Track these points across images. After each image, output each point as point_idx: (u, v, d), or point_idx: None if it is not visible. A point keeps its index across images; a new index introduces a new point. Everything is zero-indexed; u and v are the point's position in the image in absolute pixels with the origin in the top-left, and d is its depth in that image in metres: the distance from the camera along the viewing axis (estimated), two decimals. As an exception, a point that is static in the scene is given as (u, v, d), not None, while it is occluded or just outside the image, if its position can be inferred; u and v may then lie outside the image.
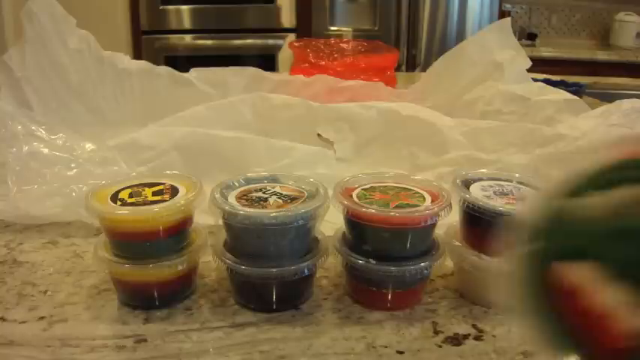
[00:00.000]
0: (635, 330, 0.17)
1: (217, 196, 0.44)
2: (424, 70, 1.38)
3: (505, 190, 0.46)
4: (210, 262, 0.47)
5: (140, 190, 0.45)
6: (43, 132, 0.70)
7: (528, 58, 0.93)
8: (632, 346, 0.17)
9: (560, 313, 0.18)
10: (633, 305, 0.17)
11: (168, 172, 0.50)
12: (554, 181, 0.19)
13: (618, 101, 0.72)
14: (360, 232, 0.44)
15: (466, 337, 0.41)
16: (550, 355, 0.18)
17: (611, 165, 0.19)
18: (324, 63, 1.07)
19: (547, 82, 0.94)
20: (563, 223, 0.19)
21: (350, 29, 2.56)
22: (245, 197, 0.44)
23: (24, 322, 0.42)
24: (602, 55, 2.83)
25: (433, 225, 0.44)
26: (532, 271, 0.19)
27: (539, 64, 1.16)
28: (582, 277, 0.18)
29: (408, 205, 0.44)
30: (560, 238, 0.19)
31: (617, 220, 0.18)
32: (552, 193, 0.19)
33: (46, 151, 0.67)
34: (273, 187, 0.46)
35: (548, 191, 0.19)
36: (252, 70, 0.93)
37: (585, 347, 0.18)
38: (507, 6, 3.06)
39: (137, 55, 2.40)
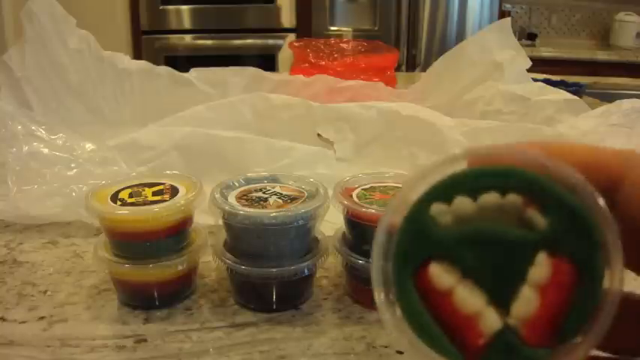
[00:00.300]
0: (487, 328, 0.19)
1: (217, 196, 0.44)
2: (424, 70, 1.38)
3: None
4: (210, 262, 0.47)
5: (140, 190, 0.45)
6: (43, 132, 0.70)
7: (528, 58, 0.93)
8: (488, 344, 0.19)
9: (432, 314, 0.20)
10: (486, 305, 0.19)
11: (168, 172, 0.50)
12: (417, 187, 0.20)
13: (618, 101, 0.72)
14: (360, 232, 0.44)
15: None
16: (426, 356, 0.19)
17: (476, 172, 0.20)
18: (324, 63, 1.07)
19: (547, 82, 0.94)
20: (426, 227, 0.20)
21: (350, 29, 2.56)
22: (245, 197, 0.44)
23: (24, 322, 0.42)
24: (602, 55, 2.84)
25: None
26: (399, 276, 0.20)
27: (539, 64, 1.16)
28: (446, 280, 0.19)
29: (408, 205, 0.43)
30: (424, 242, 0.20)
31: (469, 226, 0.19)
32: (416, 197, 0.20)
33: (46, 151, 0.67)
34: (273, 187, 0.46)
35: (411, 196, 0.20)
36: (252, 70, 0.93)
37: (456, 347, 0.19)
38: (507, 6, 3.06)
39: (137, 55, 2.40)
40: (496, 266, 0.19)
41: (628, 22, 3.09)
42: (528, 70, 0.93)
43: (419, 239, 0.20)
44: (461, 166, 0.20)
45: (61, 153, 0.67)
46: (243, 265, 0.42)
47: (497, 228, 0.19)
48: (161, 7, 2.46)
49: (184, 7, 2.48)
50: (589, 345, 0.18)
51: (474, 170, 0.20)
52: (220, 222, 0.44)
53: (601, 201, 0.18)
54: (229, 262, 0.43)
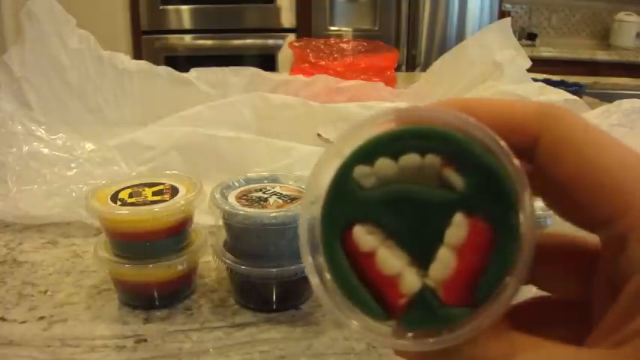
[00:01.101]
0: (407, 289, 0.19)
1: (217, 196, 0.44)
2: (424, 70, 1.38)
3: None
4: (210, 262, 0.47)
5: (140, 190, 0.45)
6: (43, 132, 0.70)
7: (528, 58, 0.93)
8: (409, 304, 0.19)
9: (359, 276, 0.20)
10: (406, 266, 0.20)
11: (168, 172, 0.50)
12: (343, 148, 0.20)
13: (618, 101, 0.72)
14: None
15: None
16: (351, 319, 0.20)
17: (396, 134, 0.20)
18: (324, 63, 1.07)
19: (547, 82, 0.94)
20: (350, 190, 0.20)
21: (350, 29, 2.56)
22: (245, 197, 0.44)
23: (24, 322, 0.42)
24: (602, 55, 2.84)
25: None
26: (326, 239, 0.20)
27: (539, 64, 1.16)
28: (368, 241, 0.20)
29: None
30: (349, 204, 0.20)
31: (391, 188, 0.20)
32: (341, 160, 0.20)
33: (46, 151, 0.67)
34: (273, 187, 0.46)
35: (336, 158, 0.20)
36: (252, 70, 0.93)
37: (381, 307, 0.20)
38: (507, 6, 3.06)
39: (137, 55, 2.40)
40: (416, 227, 0.20)
41: (628, 22, 3.09)
42: (528, 70, 0.93)
43: (343, 202, 0.20)
44: (384, 128, 0.20)
45: (61, 153, 0.67)
46: (243, 265, 0.42)
47: (416, 189, 0.20)
48: (161, 7, 2.45)
49: (184, 7, 2.48)
50: (501, 306, 0.18)
51: (395, 131, 0.20)
52: (220, 222, 0.44)
53: (515, 161, 0.18)
54: (229, 262, 0.43)
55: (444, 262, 0.19)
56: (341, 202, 0.20)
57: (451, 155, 0.19)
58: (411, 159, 0.19)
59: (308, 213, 0.21)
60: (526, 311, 0.21)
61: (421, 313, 0.19)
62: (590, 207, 0.19)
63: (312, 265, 0.20)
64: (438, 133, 0.19)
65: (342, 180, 0.20)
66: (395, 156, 0.20)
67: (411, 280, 0.19)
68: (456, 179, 0.19)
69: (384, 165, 0.20)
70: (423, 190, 0.19)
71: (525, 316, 0.20)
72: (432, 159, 0.19)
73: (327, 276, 0.20)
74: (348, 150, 0.20)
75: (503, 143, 0.18)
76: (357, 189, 0.20)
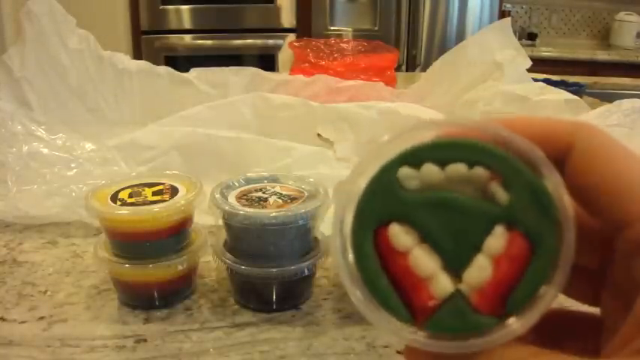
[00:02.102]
0: (439, 291, 0.19)
1: (217, 196, 0.44)
2: (424, 70, 1.38)
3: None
4: (210, 262, 0.47)
5: (140, 190, 0.45)
6: (43, 132, 0.70)
7: (528, 58, 0.93)
8: (438, 306, 0.19)
9: (389, 274, 0.20)
10: (440, 270, 0.20)
11: (168, 172, 0.50)
12: (386, 152, 0.21)
13: (618, 101, 0.72)
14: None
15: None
16: (378, 316, 0.20)
17: (445, 143, 0.20)
18: (324, 63, 1.07)
19: (547, 82, 0.94)
20: (391, 188, 0.20)
21: (350, 29, 2.56)
22: (245, 197, 0.44)
23: (24, 322, 0.42)
24: (602, 55, 2.84)
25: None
26: (358, 230, 0.20)
27: (539, 64, 1.16)
28: (403, 240, 0.20)
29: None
30: (388, 201, 0.20)
31: (430, 192, 0.20)
32: (385, 160, 0.21)
33: (45, 151, 0.67)
34: (273, 187, 0.46)
35: (379, 159, 0.21)
36: (252, 70, 0.93)
37: (406, 307, 0.20)
38: (507, 6, 3.06)
39: (137, 55, 2.40)
40: (454, 234, 0.20)
41: (628, 22, 3.09)
42: (528, 70, 0.93)
43: (383, 198, 0.20)
44: (431, 136, 0.20)
45: (61, 153, 0.67)
46: (243, 265, 0.42)
47: (460, 197, 0.20)
48: (161, 7, 2.45)
49: (184, 7, 2.48)
50: (527, 323, 0.19)
51: (443, 140, 0.20)
52: (220, 222, 0.44)
53: (558, 179, 0.19)
54: (229, 262, 0.43)
55: (480, 268, 0.19)
56: (380, 197, 0.20)
57: (499, 170, 0.20)
58: (458, 168, 0.20)
59: (344, 202, 0.21)
60: (542, 323, 0.21)
61: (450, 318, 0.19)
62: (610, 211, 0.20)
63: (339, 249, 0.20)
64: (487, 147, 0.20)
65: (385, 177, 0.20)
66: (442, 164, 0.20)
67: (444, 283, 0.19)
68: (501, 194, 0.20)
69: (430, 170, 0.20)
70: (467, 199, 0.20)
71: (541, 328, 0.21)
72: (479, 171, 0.20)
73: (355, 270, 0.20)
74: (392, 152, 0.20)
75: (548, 161, 0.19)
76: (398, 188, 0.20)
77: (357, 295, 0.20)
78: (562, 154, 0.21)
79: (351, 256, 0.20)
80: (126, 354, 0.39)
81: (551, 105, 0.78)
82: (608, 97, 1.03)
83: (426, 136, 0.20)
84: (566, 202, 0.19)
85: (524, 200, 0.19)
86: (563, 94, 0.82)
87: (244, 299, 0.45)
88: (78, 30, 0.79)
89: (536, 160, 0.19)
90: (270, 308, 0.44)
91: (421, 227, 0.20)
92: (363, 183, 0.21)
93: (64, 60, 0.76)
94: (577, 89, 1.09)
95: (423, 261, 0.20)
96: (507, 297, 0.19)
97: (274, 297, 0.44)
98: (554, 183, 0.19)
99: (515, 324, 0.19)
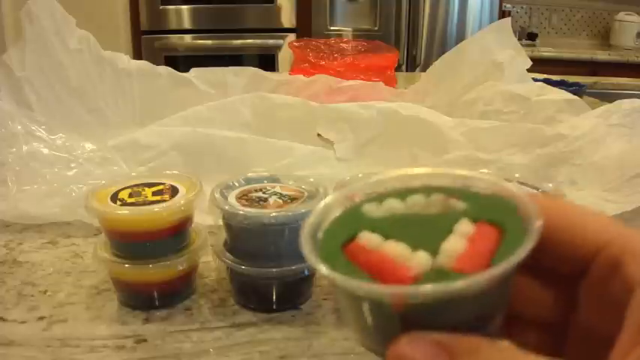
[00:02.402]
0: (417, 265, 0.19)
1: (217, 196, 0.44)
2: (424, 70, 1.38)
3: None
4: (210, 262, 0.47)
5: (140, 190, 0.45)
6: (43, 132, 0.70)
7: (528, 58, 0.93)
8: (418, 275, 0.19)
9: (362, 269, 0.20)
10: (413, 249, 0.20)
11: (168, 172, 0.50)
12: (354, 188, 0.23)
13: (618, 101, 0.72)
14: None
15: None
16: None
17: (407, 187, 0.23)
18: (324, 63, 1.07)
19: (547, 82, 0.94)
20: (357, 214, 0.22)
21: (350, 29, 2.56)
22: (245, 197, 0.44)
23: (24, 322, 0.42)
24: (602, 55, 2.83)
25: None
26: (327, 244, 0.21)
27: (539, 64, 1.16)
28: (375, 239, 0.21)
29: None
30: (355, 222, 0.22)
31: (397, 212, 0.22)
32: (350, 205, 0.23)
33: (45, 151, 0.67)
34: (273, 187, 0.46)
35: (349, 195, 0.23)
36: (252, 70, 0.93)
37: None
38: (507, 6, 3.06)
39: (137, 55, 2.40)
40: (423, 235, 0.20)
41: (628, 22, 3.08)
42: (528, 70, 0.93)
43: (349, 221, 0.22)
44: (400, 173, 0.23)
45: (61, 153, 0.67)
46: (243, 265, 0.42)
47: (422, 211, 0.22)
48: (161, 7, 2.45)
49: (184, 7, 2.47)
50: (512, 262, 0.19)
51: (398, 174, 0.23)
52: (220, 222, 0.44)
53: (524, 195, 0.21)
54: (229, 262, 0.43)
55: (455, 241, 0.20)
56: (347, 221, 0.22)
57: (454, 193, 0.22)
58: (416, 199, 0.22)
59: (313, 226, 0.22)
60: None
61: (432, 280, 0.19)
62: (579, 245, 0.21)
63: (312, 254, 0.20)
64: (441, 174, 0.22)
65: (351, 211, 0.22)
66: (401, 197, 0.22)
67: (422, 256, 0.19)
68: (460, 204, 0.21)
69: (392, 203, 0.22)
70: (428, 212, 0.22)
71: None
72: (436, 196, 0.22)
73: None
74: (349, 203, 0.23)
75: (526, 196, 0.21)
76: (364, 214, 0.22)
77: (336, 276, 0.20)
78: (588, 256, 0.22)
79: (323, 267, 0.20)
80: (126, 354, 0.39)
81: (551, 105, 0.78)
82: (608, 97, 1.03)
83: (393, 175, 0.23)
84: (528, 199, 0.21)
85: (485, 202, 0.21)
86: (563, 94, 0.82)
87: (244, 299, 0.45)
88: (78, 30, 0.79)
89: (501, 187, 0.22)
90: (270, 308, 0.44)
91: (389, 235, 0.21)
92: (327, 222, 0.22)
93: (64, 60, 0.76)
94: (577, 89, 1.09)
95: (398, 245, 0.20)
96: (486, 264, 0.19)
97: (274, 297, 0.44)
98: (514, 194, 0.21)
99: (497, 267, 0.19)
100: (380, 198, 0.22)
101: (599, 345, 0.20)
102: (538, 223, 0.19)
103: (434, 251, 0.19)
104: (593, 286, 0.22)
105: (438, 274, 0.19)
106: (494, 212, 0.21)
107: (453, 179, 0.22)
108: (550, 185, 0.63)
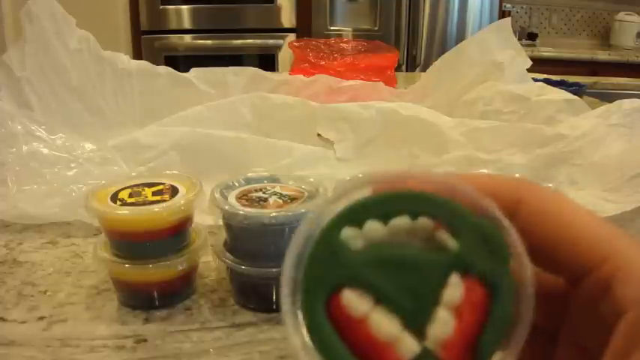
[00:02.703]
0: (406, 353, 0.19)
1: (217, 196, 0.44)
2: (424, 70, 1.38)
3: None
4: (210, 262, 0.47)
5: (140, 190, 0.45)
6: (43, 132, 0.70)
7: (528, 58, 0.93)
8: None
9: (347, 343, 0.19)
10: (402, 330, 0.19)
11: (168, 172, 0.50)
12: (327, 210, 0.20)
13: (618, 101, 0.72)
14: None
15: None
16: None
17: (384, 197, 0.20)
18: (324, 63, 1.07)
19: (547, 82, 0.94)
20: (337, 253, 0.19)
21: (350, 29, 2.56)
22: (245, 197, 0.44)
23: (24, 322, 0.42)
24: (602, 55, 2.84)
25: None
26: (310, 304, 0.19)
27: (539, 64, 1.16)
28: (359, 306, 0.19)
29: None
30: (336, 267, 0.19)
31: (381, 251, 0.19)
32: (325, 223, 0.20)
33: (45, 151, 0.67)
34: (273, 187, 0.46)
35: (320, 220, 0.20)
36: (252, 70, 0.93)
37: None
38: (507, 6, 3.06)
39: (137, 55, 2.40)
40: (410, 290, 0.19)
41: (628, 22, 3.09)
42: (528, 70, 0.93)
43: (330, 265, 0.19)
44: (369, 192, 0.20)
45: (61, 153, 0.67)
46: (243, 265, 0.42)
47: (408, 252, 0.19)
48: (161, 7, 2.45)
49: (184, 7, 2.47)
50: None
51: (382, 195, 0.20)
52: (220, 222, 0.44)
53: (507, 222, 0.19)
54: (229, 262, 0.43)
55: (443, 322, 0.19)
56: (327, 264, 0.19)
57: (444, 218, 0.19)
58: (401, 221, 0.19)
59: (291, 272, 0.19)
60: None
61: None
62: (569, 262, 0.20)
63: (292, 327, 0.19)
64: (430, 197, 0.19)
65: (328, 241, 0.19)
66: (384, 218, 0.19)
67: (409, 344, 0.19)
68: (450, 241, 0.19)
69: (373, 227, 0.19)
70: (415, 252, 0.19)
71: None
72: (423, 221, 0.19)
73: (307, 341, 0.19)
74: (332, 213, 0.20)
75: (494, 205, 0.19)
76: (344, 251, 0.19)
77: None
78: (510, 212, 0.21)
79: (304, 332, 0.19)
80: (126, 354, 0.39)
81: (551, 105, 0.78)
82: (608, 97, 1.03)
83: (364, 192, 0.20)
84: (516, 238, 0.19)
85: (474, 244, 0.19)
86: (563, 94, 0.82)
87: (244, 299, 0.45)
88: (78, 30, 0.79)
89: (482, 204, 0.19)
90: (270, 308, 0.44)
91: (374, 289, 0.19)
92: (308, 249, 0.20)
93: (64, 60, 0.76)
94: (577, 89, 1.09)
95: (384, 325, 0.19)
96: (475, 344, 0.19)
97: (274, 297, 0.44)
98: (501, 224, 0.19)
99: None
100: (358, 216, 0.20)
101: (587, 358, 0.20)
102: (529, 293, 0.19)
103: (422, 324, 0.19)
104: (583, 303, 0.21)
105: None
106: (484, 262, 0.19)
107: (438, 187, 0.20)
108: (550, 185, 0.63)
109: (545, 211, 0.21)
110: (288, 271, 0.19)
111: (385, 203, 0.20)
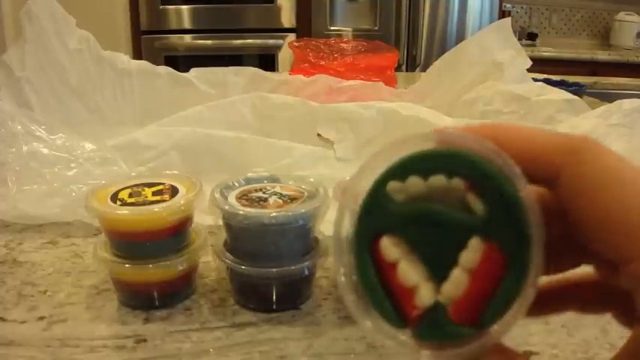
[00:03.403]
0: (421, 302, 0.21)
1: (217, 196, 0.44)
2: (424, 70, 1.38)
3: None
4: (210, 262, 0.47)
5: (140, 190, 0.45)
6: (43, 132, 0.70)
7: (528, 58, 0.93)
8: (421, 316, 0.21)
9: (383, 283, 0.22)
10: (421, 278, 0.21)
11: (168, 172, 0.50)
12: (377, 165, 0.22)
13: (618, 101, 0.72)
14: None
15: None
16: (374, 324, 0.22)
17: (427, 154, 0.22)
18: (324, 63, 1.07)
19: (547, 82, 0.94)
20: (383, 204, 0.22)
21: (350, 29, 2.56)
22: (245, 197, 0.44)
23: (24, 322, 0.42)
24: (602, 55, 2.84)
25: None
26: (358, 246, 0.23)
27: (539, 64, 1.16)
28: (392, 253, 0.22)
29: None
30: (380, 216, 0.22)
31: (418, 205, 0.22)
32: (376, 176, 0.22)
33: (45, 151, 0.67)
34: (273, 187, 0.46)
35: (370, 174, 0.22)
36: (252, 70, 0.93)
37: (398, 314, 0.22)
38: (507, 6, 3.06)
39: (137, 55, 2.40)
40: (437, 244, 0.21)
41: (628, 22, 3.09)
42: (528, 70, 0.93)
43: (376, 214, 0.22)
44: (419, 147, 0.22)
45: (61, 153, 0.67)
46: (243, 265, 0.42)
47: (440, 209, 0.21)
48: (161, 7, 2.45)
49: (184, 7, 2.47)
50: (503, 331, 0.20)
51: (425, 152, 0.22)
52: (220, 222, 0.44)
53: (531, 201, 0.20)
54: (229, 262, 0.43)
55: (456, 282, 0.21)
56: (374, 213, 0.22)
57: (475, 181, 0.21)
58: (438, 180, 0.21)
59: (343, 219, 0.23)
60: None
61: (431, 327, 0.21)
62: (604, 248, 0.19)
63: (340, 265, 0.22)
64: (466, 158, 0.21)
65: (376, 192, 0.22)
66: (425, 175, 0.21)
67: (425, 295, 0.21)
68: (477, 205, 0.21)
69: (414, 183, 0.21)
70: (447, 210, 0.21)
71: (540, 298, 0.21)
72: (457, 182, 0.21)
73: (354, 278, 0.22)
74: (383, 165, 0.22)
75: (524, 179, 0.20)
76: (388, 202, 0.22)
77: (351, 301, 0.22)
78: (551, 173, 0.20)
79: (351, 264, 0.22)
80: (126, 354, 0.39)
81: (551, 105, 0.78)
82: (608, 97, 1.03)
83: (414, 148, 0.22)
84: (537, 217, 0.19)
85: (499, 213, 0.20)
86: (563, 94, 0.81)
87: (244, 299, 0.45)
88: (78, 30, 0.79)
89: (513, 173, 0.20)
90: (270, 308, 0.44)
91: (409, 239, 0.22)
92: (359, 197, 0.22)
93: (64, 60, 0.76)
94: (577, 89, 1.09)
95: (408, 273, 0.21)
96: (482, 308, 0.20)
97: (274, 297, 0.44)
98: (527, 197, 0.20)
99: (490, 335, 0.20)
100: (404, 171, 0.22)
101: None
102: (537, 270, 0.20)
103: (441, 280, 0.21)
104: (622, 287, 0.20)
105: (436, 321, 0.21)
106: (505, 232, 0.20)
107: (480, 148, 0.21)
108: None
109: (586, 183, 0.19)
110: (340, 214, 0.23)
111: (426, 160, 0.21)
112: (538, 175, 0.20)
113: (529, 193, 0.20)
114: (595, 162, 0.19)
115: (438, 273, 0.21)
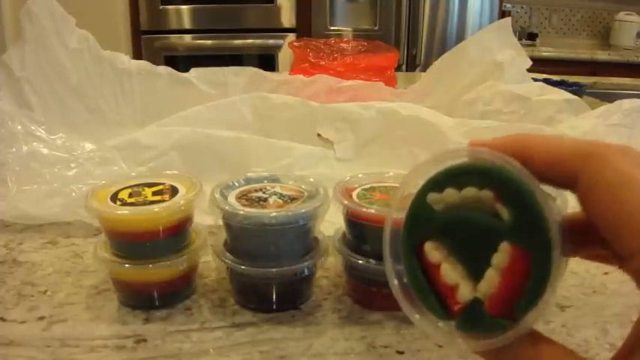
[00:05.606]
0: (462, 298, 0.24)
1: (217, 196, 0.44)
2: (424, 70, 1.38)
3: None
4: (210, 262, 0.47)
5: (140, 190, 0.45)
6: (43, 132, 0.70)
7: (528, 58, 0.93)
8: (462, 310, 0.24)
9: (431, 283, 0.26)
10: (461, 277, 0.25)
11: (168, 172, 0.50)
12: (420, 177, 0.26)
13: (618, 101, 0.72)
14: (360, 232, 0.44)
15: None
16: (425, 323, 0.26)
17: (460, 169, 0.25)
18: (324, 63, 1.07)
19: (547, 82, 0.94)
20: (424, 213, 0.26)
21: (350, 29, 2.56)
22: (245, 197, 0.44)
23: (24, 322, 0.42)
24: (602, 55, 2.84)
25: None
26: (406, 250, 0.26)
27: (539, 64, 1.16)
28: (435, 256, 0.25)
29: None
30: (423, 224, 0.26)
31: (452, 213, 0.25)
32: (417, 188, 0.26)
33: (45, 151, 0.67)
34: (273, 187, 0.46)
35: (415, 184, 0.26)
36: (252, 70, 0.93)
37: (444, 311, 0.25)
38: (507, 6, 3.06)
39: (137, 55, 2.40)
40: (472, 248, 0.25)
41: (628, 22, 3.09)
42: (528, 70, 0.93)
43: (419, 223, 0.26)
44: (453, 162, 0.25)
45: (61, 153, 0.67)
46: (243, 265, 0.42)
47: (473, 217, 0.25)
48: (161, 7, 2.45)
49: (184, 7, 2.48)
50: (534, 320, 0.23)
51: (458, 167, 0.25)
52: (220, 222, 0.44)
53: (551, 210, 0.22)
54: (229, 262, 0.43)
55: (490, 280, 0.24)
56: (417, 222, 0.26)
57: (502, 192, 0.24)
58: (470, 191, 0.25)
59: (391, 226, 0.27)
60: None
61: (471, 320, 0.24)
62: (616, 243, 0.21)
63: (392, 270, 0.27)
64: (495, 173, 0.24)
65: (419, 203, 0.26)
66: (459, 187, 0.25)
67: (464, 292, 0.24)
68: (504, 213, 0.24)
69: (450, 194, 0.25)
70: (479, 217, 0.24)
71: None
72: (486, 194, 0.24)
73: (405, 280, 0.26)
74: (421, 180, 0.26)
75: (542, 190, 0.23)
76: (429, 212, 0.26)
77: (404, 300, 0.26)
78: (570, 178, 0.22)
79: (401, 271, 0.26)
80: (126, 354, 0.39)
81: (551, 105, 0.78)
82: (608, 97, 1.03)
83: (449, 163, 0.25)
84: (556, 225, 0.22)
85: (524, 220, 0.23)
86: (563, 94, 0.82)
87: (244, 299, 0.45)
88: (78, 30, 0.79)
89: (534, 187, 0.23)
90: (270, 308, 0.44)
91: (448, 243, 0.25)
92: (406, 205, 0.26)
93: (64, 60, 0.76)
94: (577, 89, 1.09)
95: (449, 272, 0.25)
96: (514, 302, 0.23)
97: (274, 297, 0.44)
98: (547, 207, 0.23)
99: (522, 325, 0.23)
100: (441, 184, 0.25)
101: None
102: (557, 270, 0.22)
103: (477, 277, 0.24)
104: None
105: (475, 314, 0.24)
106: (531, 238, 0.23)
107: (502, 164, 0.24)
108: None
109: (600, 185, 0.21)
110: (389, 223, 0.27)
111: (460, 175, 0.25)
112: (561, 178, 0.23)
113: (548, 202, 0.23)
114: (606, 166, 0.21)
115: (474, 272, 0.24)
